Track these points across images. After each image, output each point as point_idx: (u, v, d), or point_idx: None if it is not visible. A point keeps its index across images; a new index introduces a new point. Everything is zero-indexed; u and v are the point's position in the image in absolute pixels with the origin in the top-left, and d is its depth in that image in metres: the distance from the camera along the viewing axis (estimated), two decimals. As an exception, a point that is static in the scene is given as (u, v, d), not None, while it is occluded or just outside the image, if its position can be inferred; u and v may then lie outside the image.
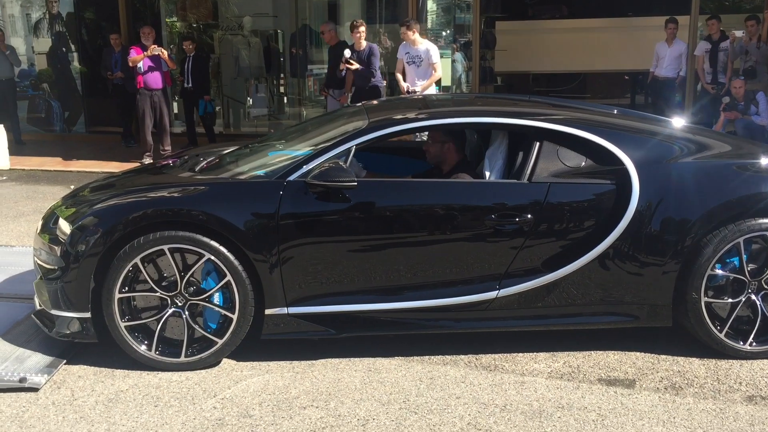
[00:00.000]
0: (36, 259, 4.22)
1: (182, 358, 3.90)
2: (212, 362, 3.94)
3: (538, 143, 4.08)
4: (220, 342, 3.90)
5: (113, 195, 4.09)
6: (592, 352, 4.12)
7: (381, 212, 3.96)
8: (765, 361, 4.00)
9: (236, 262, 3.82)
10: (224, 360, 4.00)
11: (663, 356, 4.07)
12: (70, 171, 9.99)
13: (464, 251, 3.97)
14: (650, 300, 4.02)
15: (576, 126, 4.14)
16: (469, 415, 3.46)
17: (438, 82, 9.23)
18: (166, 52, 10.35)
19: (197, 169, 4.53)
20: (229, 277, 3.83)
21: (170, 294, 3.88)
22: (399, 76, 9.00)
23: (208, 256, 3.81)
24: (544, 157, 4.06)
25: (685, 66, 10.21)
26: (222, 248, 3.81)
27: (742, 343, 4.02)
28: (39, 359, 3.95)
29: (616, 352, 4.12)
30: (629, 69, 12.02)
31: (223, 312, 3.90)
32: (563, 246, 3.99)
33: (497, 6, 12.76)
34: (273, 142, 5.00)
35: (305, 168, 3.97)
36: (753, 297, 4.02)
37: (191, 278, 3.88)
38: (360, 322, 4.00)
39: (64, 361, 4.00)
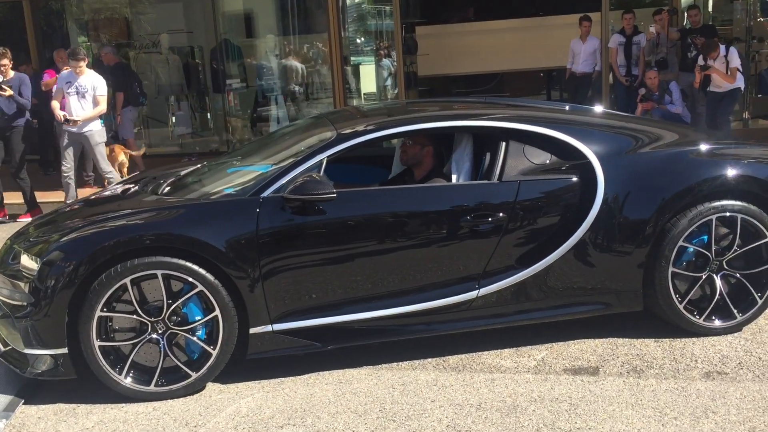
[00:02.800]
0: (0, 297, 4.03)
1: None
2: (198, 388, 3.86)
3: (504, 143, 4.19)
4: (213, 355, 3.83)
5: (84, 225, 3.93)
6: (554, 344, 4.23)
7: (361, 221, 3.98)
8: (717, 337, 4.19)
9: (216, 282, 3.75)
10: (190, 386, 3.91)
11: (620, 342, 4.22)
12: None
13: (444, 254, 4.04)
14: (621, 286, 4.17)
15: (540, 124, 4.28)
16: (446, 417, 3.50)
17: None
18: None
19: (160, 192, 4.43)
20: (213, 302, 3.75)
21: (150, 320, 3.77)
22: (55, 104, 8.33)
23: (189, 279, 3.72)
24: (512, 157, 4.17)
25: (600, 61, 10.59)
26: (202, 270, 3.73)
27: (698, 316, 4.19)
28: (-7, 403, 3.78)
29: (576, 341, 4.25)
30: (545, 66, 12.40)
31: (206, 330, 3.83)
32: (537, 241, 4.10)
33: (416, 11, 12.94)
34: (232, 160, 4.95)
35: (279, 183, 3.94)
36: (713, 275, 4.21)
37: (169, 303, 3.77)
38: (345, 333, 4.00)
39: (22, 401, 3.84)
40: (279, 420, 3.56)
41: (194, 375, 3.81)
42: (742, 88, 9.18)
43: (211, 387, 3.91)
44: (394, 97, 12.79)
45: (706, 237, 4.17)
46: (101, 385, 3.81)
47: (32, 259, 3.83)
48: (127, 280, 3.68)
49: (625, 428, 3.32)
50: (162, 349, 3.78)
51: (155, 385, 3.79)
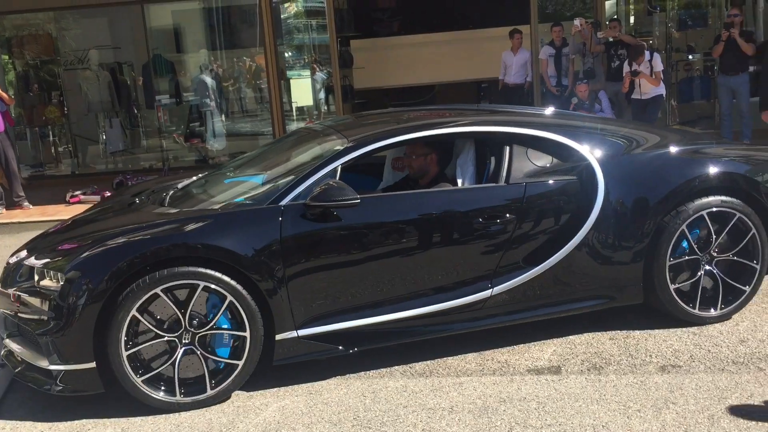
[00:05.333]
0: (9, 315, 4.03)
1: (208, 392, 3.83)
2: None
3: (508, 147, 4.37)
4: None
5: (104, 238, 3.87)
6: (514, 346, 4.35)
7: (382, 226, 4.08)
8: (667, 332, 4.40)
9: (244, 292, 3.78)
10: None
11: (578, 341, 4.38)
12: None
13: (460, 255, 4.19)
14: (623, 280, 4.38)
15: (542, 129, 4.51)
16: (421, 421, 3.56)
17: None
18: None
19: (166, 204, 4.46)
20: (240, 311, 3.79)
21: (178, 333, 3.77)
22: None
23: (218, 289, 3.75)
24: (516, 160, 4.36)
25: (531, 72, 10.94)
26: (230, 280, 3.75)
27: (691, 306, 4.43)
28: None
29: (536, 343, 4.38)
30: (479, 78, 12.70)
31: (235, 335, 3.85)
32: (545, 240, 4.28)
33: (351, 25, 13.05)
34: (230, 172, 5.04)
35: (296, 191, 4.01)
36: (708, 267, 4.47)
37: (193, 312, 3.78)
38: (367, 336, 4.08)
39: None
40: None
41: (218, 387, 3.82)
42: (664, 95, 9.65)
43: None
44: (328, 112, 12.86)
45: (698, 231, 4.43)
46: (111, 398, 3.72)
47: (51, 275, 3.78)
48: (157, 290, 3.68)
49: (593, 422, 3.46)
50: (200, 358, 3.80)
51: (183, 396, 3.79)
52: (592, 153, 4.42)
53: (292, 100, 12.50)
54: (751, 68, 9.58)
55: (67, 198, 9.94)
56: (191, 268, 3.72)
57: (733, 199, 4.42)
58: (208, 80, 12.30)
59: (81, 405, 3.86)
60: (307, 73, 12.58)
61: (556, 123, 4.76)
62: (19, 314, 3.96)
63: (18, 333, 4.08)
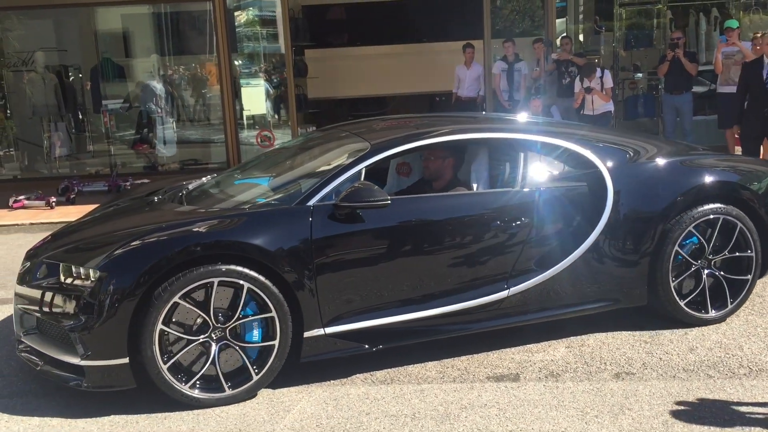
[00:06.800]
0: (29, 312, 4.04)
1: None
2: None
3: (522, 154, 4.52)
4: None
5: (135, 236, 3.87)
6: (473, 355, 4.41)
7: (410, 227, 4.21)
8: (620, 340, 4.52)
9: (275, 290, 3.84)
10: (115, 415, 3.78)
11: (534, 348, 4.46)
12: None
13: (479, 257, 4.30)
14: (628, 283, 4.57)
15: (555, 137, 4.70)
16: (383, 428, 3.58)
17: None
18: None
19: (185, 204, 4.53)
20: (271, 307, 3.85)
21: (218, 327, 3.82)
22: None
23: (248, 286, 3.79)
24: (531, 166, 4.52)
25: (483, 86, 11.11)
26: (263, 278, 3.81)
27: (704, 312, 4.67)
28: None
29: (494, 351, 4.45)
30: (434, 90, 12.83)
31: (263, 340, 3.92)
32: (557, 244, 4.44)
33: (306, 34, 13.04)
34: (247, 173, 5.18)
35: (323, 191, 4.09)
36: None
37: (230, 312, 3.84)
38: (391, 334, 4.16)
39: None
40: (215, 442, 3.51)
41: (254, 378, 3.88)
42: (612, 111, 9.93)
43: (137, 417, 3.79)
44: (281, 120, 12.79)
45: (696, 239, 4.64)
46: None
47: (81, 273, 3.79)
48: (194, 286, 3.72)
49: (552, 428, 3.53)
50: (239, 354, 3.86)
51: (222, 391, 3.84)
52: (601, 161, 4.59)
53: (245, 109, 12.39)
54: (700, 87, 9.94)
55: (10, 203, 9.64)
56: (233, 267, 3.77)
57: (728, 205, 4.65)
58: (158, 86, 12.11)
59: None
60: (260, 81, 12.51)
61: (568, 132, 4.95)
62: (43, 311, 3.94)
63: (36, 330, 4.07)
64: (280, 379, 4.08)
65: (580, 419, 3.60)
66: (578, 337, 4.58)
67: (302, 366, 4.15)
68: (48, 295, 3.94)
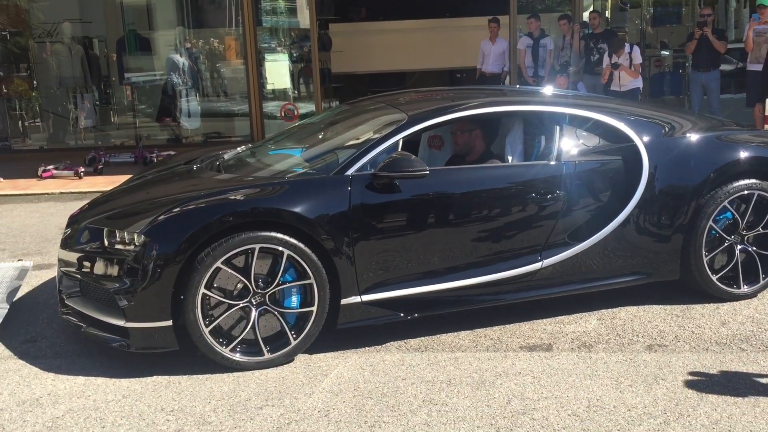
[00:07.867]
0: (72, 275, 4.14)
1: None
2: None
3: (558, 126, 4.54)
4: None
5: (179, 201, 3.95)
6: (506, 325, 4.46)
7: (446, 197, 4.25)
8: (651, 314, 4.56)
9: (314, 257, 3.90)
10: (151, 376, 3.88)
11: (566, 320, 4.51)
12: None
13: (514, 228, 4.35)
14: (661, 257, 4.59)
15: (590, 110, 4.71)
16: (421, 393, 3.65)
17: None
18: None
19: (223, 172, 4.63)
20: (309, 274, 3.91)
21: (257, 292, 3.90)
22: None
23: (288, 253, 3.85)
24: (566, 139, 4.54)
25: (508, 62, 11.06)
26: (302, 245, 3.87)
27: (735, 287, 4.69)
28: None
29: (526, 322, 4.49)
30: (456, 66, 12.79)
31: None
32: (591, 217, 4.48)
33: (330, 8, 13.02)
34: (280, 144, 5.25)
35: (361, 161, 4.14)
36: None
37: (270, 278, 3.91)
38: (425, 303, 4.23)
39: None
40: (256, 402, 3.59)
41: (292, 343, 3.97)
42: (641, 88, 9.87)
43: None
44: (303, 94, 12.81)
45: (730, 214, 4.64)
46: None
47: (126, 237, 3.88)
48: (235, 251, 3.78)
49: (587, 396, 3.58)
50: (278, 319, 3.94)
51: (261, 355, 3.92)
52: (637, 135, 4.60)
53: (269, 82, 12.42)
54: (727, 66, 9.85)
55: (39, 172, 9.77)
56: (274, 234, 3.82)
57: (765, 182, 4.66)
58: (182, 59, 12.16)
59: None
60: (284, 55, 12.51)
61: (602, 105, 4.95)
62: (86, 274, 4.04)
63: (79, 293, 4.16)
64: (315, 345, 4.16)
65: (615, 388, 3.65)
66: (609, 309, 4.62)
67: (337, 333, 4.22)
68: (91, 259, 4.03)
